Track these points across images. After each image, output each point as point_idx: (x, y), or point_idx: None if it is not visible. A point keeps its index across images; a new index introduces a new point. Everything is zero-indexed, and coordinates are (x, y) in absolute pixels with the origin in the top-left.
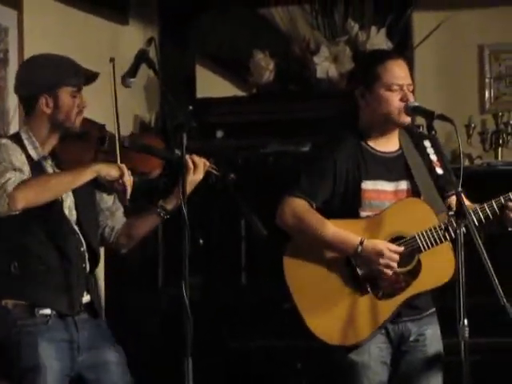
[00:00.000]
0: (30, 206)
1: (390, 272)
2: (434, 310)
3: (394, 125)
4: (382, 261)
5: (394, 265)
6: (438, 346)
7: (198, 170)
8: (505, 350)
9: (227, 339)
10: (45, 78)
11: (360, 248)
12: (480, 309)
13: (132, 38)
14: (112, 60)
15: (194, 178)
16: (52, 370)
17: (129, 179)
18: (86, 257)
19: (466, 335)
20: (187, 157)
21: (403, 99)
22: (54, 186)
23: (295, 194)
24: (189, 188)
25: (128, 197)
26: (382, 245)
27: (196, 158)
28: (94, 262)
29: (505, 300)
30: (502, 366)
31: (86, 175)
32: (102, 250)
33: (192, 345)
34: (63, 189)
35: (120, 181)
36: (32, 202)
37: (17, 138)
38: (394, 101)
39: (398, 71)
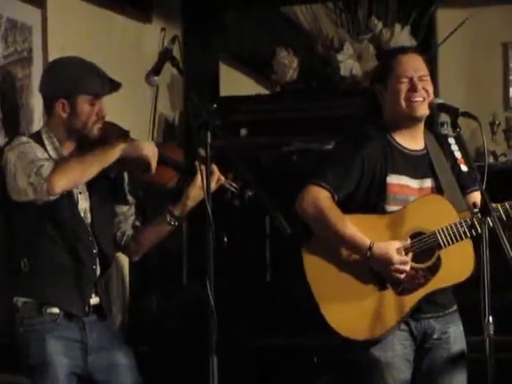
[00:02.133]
0: (67, 189)
1: (401, 276)
2: (456, 307)
3: (407, 119)
4: (392, 267)
5: (406, 268)
6: (461, 343)
7: (211, 177)
8: None
9: (251, 337)
10: (64, 83)
11: (369, 253)
12: (505, 306)
13: (155, 36)
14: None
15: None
16: (60, 366)
17: (152, 154)
18: (97, 260)
19: (491, 332)
20: (198, 164)
21: (411, 89)
22: (89, 166)
23: (319, 184)
24: (198, 195)
25: (153, 170)
26: (391, 250)
27: (213, 167)
28: (105, 266)
29: None
30: None
31: (115, 153)
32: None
33: (216, 343)
34: (96, 169)
35: (144, 157)
36: (69, 184)
37: (38, 137)
38: (403, 91)
39: (407, 64)
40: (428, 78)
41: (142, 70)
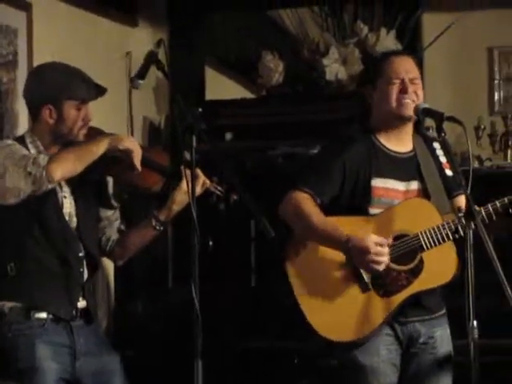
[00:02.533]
0: (65, 178)
1: (380, 268)
2: (444, 311)
3: (396, 119)
4: (369, 257)
5: (382, 259)
6: (447, 347)
7: (196, 180)
8: None
9: (236, 341)
10: (50, 88)
11: (347, 245)
12: (490, 310)
13: (141, 39)
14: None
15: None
16: (49, 371)
17: (135, 148)
18: (84, 263)
19: (476, 336)
20: (183, 168)
21: (402, 91)
22: (82, 156)
23: (301, 189)
24: (184, 199)
25: (138, 165)
26: (368, 241)
27: (198, 171)
28: (92, 269)
29: None
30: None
31: (104, 144)
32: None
33: (202, 347)
34: (90, 158)
35: (128, 150)
36: (67, 172)
37: (21, 141)
38: (393, 93)
39: (398, 65)
40: (419, 82)
41: (128, 74)
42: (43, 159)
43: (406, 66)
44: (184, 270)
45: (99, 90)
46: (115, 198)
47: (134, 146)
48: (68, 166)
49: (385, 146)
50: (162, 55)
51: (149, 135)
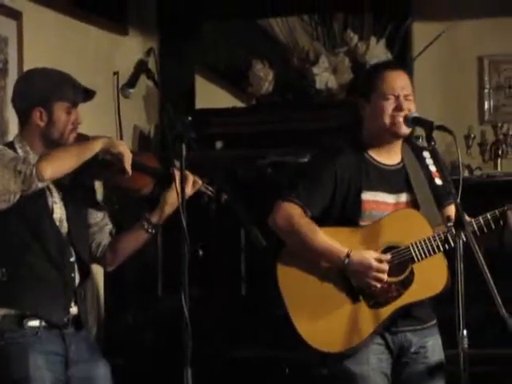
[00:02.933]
0: (55, 177)
1: (379, 285)
2: (435, 321)
3: (390, 135)
4: (370, 274)
5: (384, 277)
6: (439, 356)
7: (187, 183)
8: (505, 361)
9: (226, 349)
10: (41, 91)
11: (347, 260)
12: (480, 319)
13: (131, 48)
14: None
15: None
16: (43, 381)
17: (126, 152)
18: (76, 268)
19: (466, 346)
20: (175, 169)
21: (397, 108)
22: (74, 155)
23: (291, 200)
24: (175, 201)
25: (129, 169)
26: (370, 257)
27: (187, 173)
28: (84, 275)
29: (504, 311)
30: (501, 377)
31: (98, 145)
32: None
33: (191, 354)
34: (82, 158)
35: (119, 154)
36: (57, 171)
37: (11, 146)
38: (388, 110)
39: (394, 81)
40: (412, 98)
41: (117, 83)
42: (33, 158)
43: (401, 83)
44: (174, 277)
45: (88, 94)
46: (105, 203)
47: (125, 149)
48: (59, 164)
49: (374, 159)
50: (151, 64)
51: (139, 143)
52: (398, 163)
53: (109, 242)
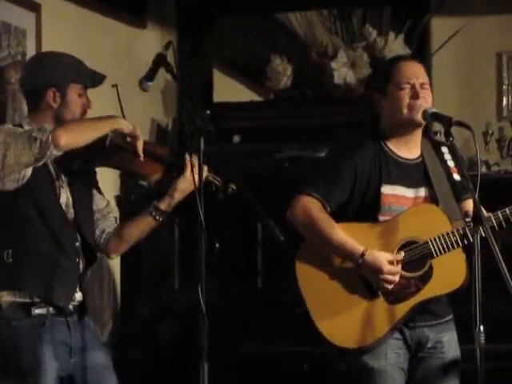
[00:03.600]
0: (71, 146)
1: (390, 286)
2: (451, 316)
3: (408, 124)
4: (381, 276)
5: (395, 279)
6: (455, 352)
7: (196, 170)
8: None
9: (242, 343)
10: (54, 72)
11: (361, 260)
12: (497, 315)
13: (149, 41)
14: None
15: (191, 178)
16: (50, 371)
17: (138, 134)
18: (81, 254)
19: (482, 342)
20: (187, 156)
21: (413, 96)
22: (91, 127)
23: (310, 194)
24: (187, 187)
25: (141, 152)
26: (382, 259)
27: (195, 160)
28: (88, 260)
29: None
30: None
31: (113, 123)
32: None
33: (208, 349)
34: (98, 132)
35: (132, 136)
36: (72, 141)
37: (20, 127)
38: (405, 99)
39: (408, 70)
40: (428, 87)
41: (136, 76)
42: (49, 126)
43: (415, 71)
44: (190, 270)
45: (99, 79)
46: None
47: (138, 133)
48: (75, 133)
49: (394, 153)
50: (170, 57)
51: (156, 137)
52: (418, 157)
53: (113, 229)
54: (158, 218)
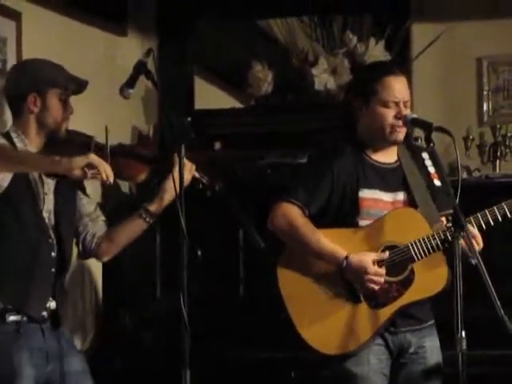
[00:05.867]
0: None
1: (375, 287)
2: (433, 321)
3: (386, 142)
4: (367, 277)
5: (380, 280)
6: (437, 357)
7: (184, 169)
8: (503, 362)
9: (225, 350)
10: (34, 77)
11: (345, 263)
12: (478, 321)
13: (130, 49)
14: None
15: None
16: (27, 377)
17: (101, 163)
18: (56, 262)
19: (464, 347)
20: (175, 155)
21: (397, 116)
22: (22, 162)
23: (289, 200)
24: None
25: (111, 179)
26: (367, 261)
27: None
28: (62, 269)
29: (502, 312)
30: (499, 378)
31: (51, 166)
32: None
33: (190, 356)
34: (28, 169)
35: (93, 168)
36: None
37: (7, 137)
38: (389, 117)
39: (395, 88)
40: (409, 104)
41: (117, 83)
42: None
43: (402, 90)
44: (172, 277)
45: (81, 84)
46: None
47: (98, 162)
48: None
49: (371, 158)
50: (150, 64)
51: (137, 144)
52: (395, 162)
53: (104, 232)
54: (148, 220)
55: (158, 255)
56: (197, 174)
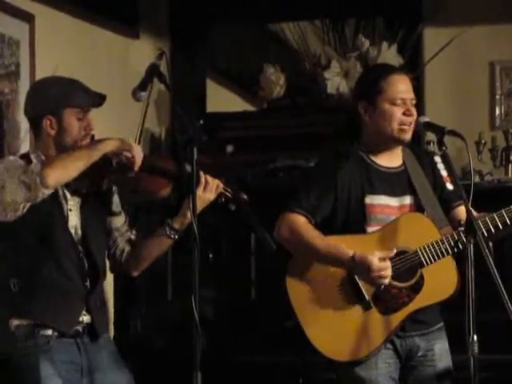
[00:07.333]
0: (61, 182)
1: (385, 282)
2: (442, 324)
3: (393, 141)
4: (372, 274)
5: (387, 273)
6: (446, 360)
7: (209, 188)
8: None
9: (236, 354)
10: (49, 99)
11: (352, 262)
12: (490, 325)
13: (143, 52)
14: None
15: (205, 196)
16: None
17: (138, 152)
18: (89, 276)
19: (476, 351)
20: (201, 173)
21: (406, 113)
22: (80, 158)
23: (294, 210)
24: (199, 205)
25: (136, 169)
26: (371, 257)
27: (209, 178)
28: (96, 283)
29: None
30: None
31: (104, 147)
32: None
33: (201, 359)
34: (88, 161)
35: (128, 153)
36: (62, 177)
37: (25, 157)
38: (398, 114)
39: (401, 85)
40: (414, 102)
41: (129, 86)
42: (35, 166)
43: (407, 87)
44: (184, 281)
45: (100, 99)
46: (122, 208)
47: (136, 150)
48: (62, 169)
49: (375, 163)
50: (163, 67)
51: (149, 147)
52: (400, 166)
53: (130, 248)
54: (173, 236)
55: (170, 258)
56: (223, 190)
